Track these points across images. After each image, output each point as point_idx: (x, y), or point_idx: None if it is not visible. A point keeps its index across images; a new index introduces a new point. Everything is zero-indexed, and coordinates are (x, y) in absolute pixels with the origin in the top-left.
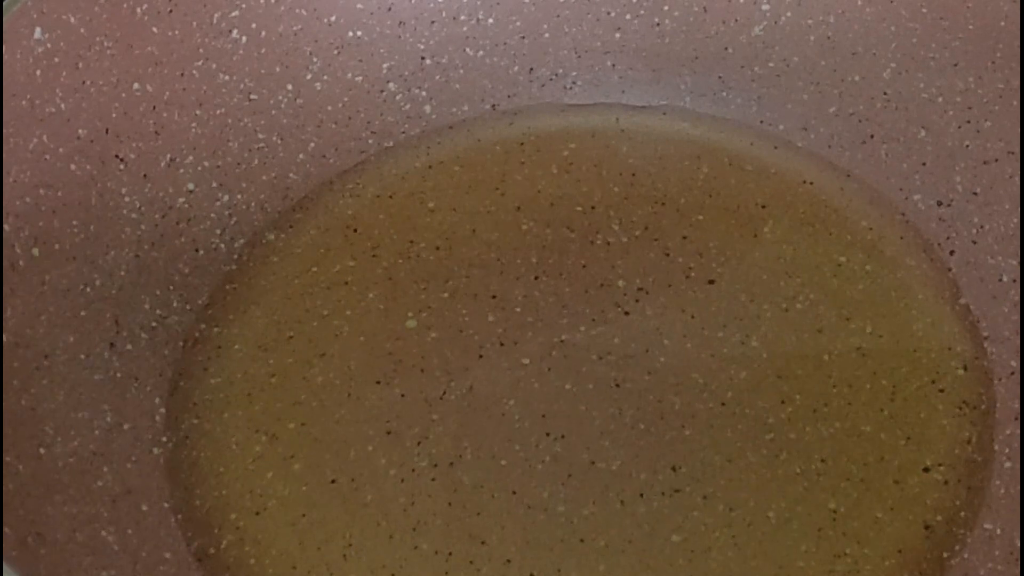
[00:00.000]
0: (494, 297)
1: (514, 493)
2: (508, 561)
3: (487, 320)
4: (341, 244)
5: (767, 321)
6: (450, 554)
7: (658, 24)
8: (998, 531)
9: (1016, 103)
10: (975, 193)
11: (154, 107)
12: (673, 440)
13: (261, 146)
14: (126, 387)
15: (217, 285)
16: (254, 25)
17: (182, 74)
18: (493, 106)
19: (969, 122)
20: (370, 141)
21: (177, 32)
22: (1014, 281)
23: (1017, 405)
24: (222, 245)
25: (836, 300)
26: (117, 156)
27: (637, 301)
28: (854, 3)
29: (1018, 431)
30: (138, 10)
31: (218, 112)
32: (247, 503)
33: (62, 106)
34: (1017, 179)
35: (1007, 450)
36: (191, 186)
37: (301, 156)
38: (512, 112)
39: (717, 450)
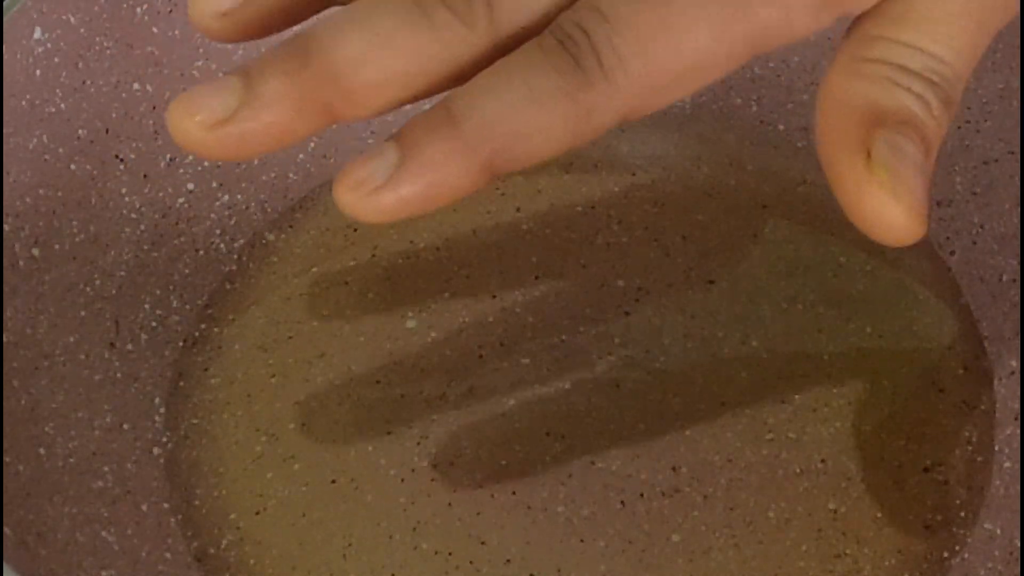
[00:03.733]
0: (494, 297)
1: (514, 493)
2: (508, 561)
3: (487, 320)
4: (341, 244)
5: (767, 321)
6: (450, 554)
7: None
8: (998, 531)
9: (1016, 103)
10: (975, 193)
11: (154, 107)
12: (673, 440)
13: None
14: (126, 387)
15: (217, 285)
16: None
17: (182, 74)
18: None
19: (969, 122)
20: (370, 141)
21: (177, 32)
22: (1014, 281)
23: (1017, 405)
24: (222, 245)
25: (836, 300)
26: (117, 156)
27: (637, 301)
28: None
29: (1018, 431)
30: (138, 10)
31: None
32: (247, 503)
33: (62, 106)
34: (1017, 179)
35: (1007, 450)
36: (191, 186)
37: (301, 156)
38: None
39: (717, 450)
